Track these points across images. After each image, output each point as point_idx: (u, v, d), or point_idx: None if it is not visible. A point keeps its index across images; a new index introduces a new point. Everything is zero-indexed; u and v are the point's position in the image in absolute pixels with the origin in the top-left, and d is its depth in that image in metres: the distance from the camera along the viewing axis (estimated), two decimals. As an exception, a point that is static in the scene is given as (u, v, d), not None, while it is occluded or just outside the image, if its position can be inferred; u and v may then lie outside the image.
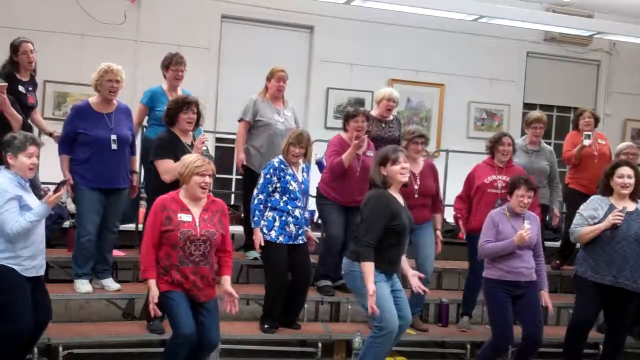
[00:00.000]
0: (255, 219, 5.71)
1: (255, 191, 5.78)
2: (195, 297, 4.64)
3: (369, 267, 4.71)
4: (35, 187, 5.42)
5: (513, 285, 5.36)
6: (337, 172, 6.07)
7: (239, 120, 6.49)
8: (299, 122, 6.79)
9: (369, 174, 5.04)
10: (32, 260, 4.58)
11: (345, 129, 6.25)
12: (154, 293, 4.54)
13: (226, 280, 4.77)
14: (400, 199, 4.96)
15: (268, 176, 5.73)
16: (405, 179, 4.92)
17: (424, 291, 5.06)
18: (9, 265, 4.50)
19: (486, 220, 5.54)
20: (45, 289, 4.86)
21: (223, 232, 4.73)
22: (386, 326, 4.82)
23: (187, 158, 4.71)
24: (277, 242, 5.70)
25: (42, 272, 4.73)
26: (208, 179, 4.62)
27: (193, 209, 4.64)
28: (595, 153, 7.18)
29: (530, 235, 5.31)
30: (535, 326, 5.38)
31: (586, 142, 7.00)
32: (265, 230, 5.71)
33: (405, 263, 5.10)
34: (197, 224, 4.60)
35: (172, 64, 6.21)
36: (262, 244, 5.69)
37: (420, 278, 5.10)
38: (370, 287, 4.67)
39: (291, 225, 5.74)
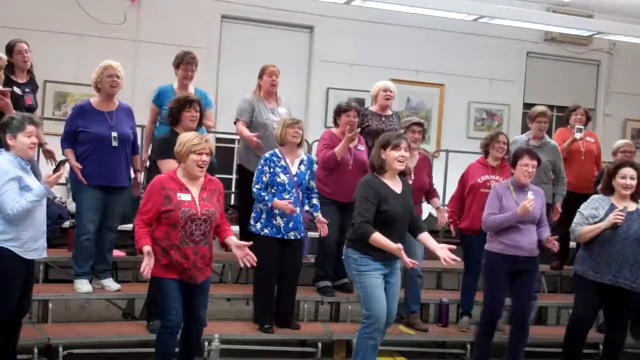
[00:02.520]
0: (266, 197, 5.66)
1: (253, 182, 5.78)
2: (194, 278, 4.65)
3: (378, 237, 4.71)
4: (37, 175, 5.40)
5: (513, 260, 5.43)
6: (329, 165, 6.08)
7: (235, 122, 6.46)
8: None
9: (370, 156, 5.07)
10: (33, 242, 4.56)
11: (336, 124, 6.29)
12: (151, 254, 4.47)
13: (231, 238, 4.75)
14: (396, 187, 4.93)
15: (260, 167, 5.75)
16: (401, 167, 4.91)
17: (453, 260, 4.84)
18: (9, 248, 4.45)
19: (490, 194, 5.64)
20: (32, 280, 4.79)
21: (221, 210, 4.76)
22: (373, 314, 4.85)
23: (184, 137, 4.70)
24: (262, 234, 5.69)
25: (44, 255, 4.73)
26: (205, 157, 4.62)
27: (192, 189, 4.64)
28: (582, 150, 7.19)
29: (534, 207, 5.33)
30: (522, 308, 5.55)
31: (577, 135, 7.02)
32: (252, 222, 5.73)
33: (429, 240, 5.03)
34: (197, 203, 4.61)
35: (183, 64, 6.20)
36: (290, 209, 5.61)
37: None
38: (393, 246, 4.66)
39: (278, 219, 5.70)
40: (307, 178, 5.88)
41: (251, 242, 4.89)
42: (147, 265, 4.47)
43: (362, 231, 4.76)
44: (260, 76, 6.48)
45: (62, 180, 7.04)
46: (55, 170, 4.56)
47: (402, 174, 5.03)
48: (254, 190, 5.74)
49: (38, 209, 4.56)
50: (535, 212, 5.43)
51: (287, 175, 5.74)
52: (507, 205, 5.47)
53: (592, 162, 7.28)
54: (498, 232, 5.49)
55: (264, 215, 5.71)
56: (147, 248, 4.50)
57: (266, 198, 5.67)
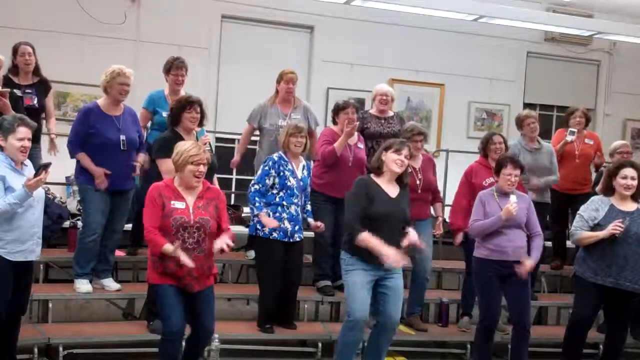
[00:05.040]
0: (257, 204, 5.69)
1: (252, 181, 5.81)
2: (189, 287, 4.59)
3: (365, 237, 4.76)
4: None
5: (500, 265, 5.43)
6: (329, 160, 6.11)
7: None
8: (313, 120, 6.69)
9: (372, 158, 5.14)
10: (18, 245, 4.49)
11: (334, 122, 6.34)
12: (173, 249, 4.41)
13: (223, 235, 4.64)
14: (391, 191, 4.97)
15: (267, 168, 5.75)
16: (397, 169, 4.94)
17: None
18: None
19: (475, 200, 5.64)
20: (29, 281, 4.76)
21: (218, 219, 4.68)
22: (351, 314, 4.92)
23: (182, 146, 4.66)
24: (271, 238, 5.70)
25: (31, 258, 4.62)
26: (202, 168, 4.59)
27: (187, 197, 4.61)
28: (577, 152, 7.17)
29: (517, 210, 5.34)
30: (520, 312, 5.52)
31: (569, 137, 7.02)
32: (258, 226, 5.72)
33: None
34: (191, 211, 4.57)
35: (173, 69, 6.22)
36: (274, 224, 5.64)
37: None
38: (378, 249, 4.71)
39: (286, 222, 5.72)
40: (308, 183, 5.92)
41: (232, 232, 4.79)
42: (184, 257, 4.40)
43: (352, 231, 4.83)
44: (278, 81, 6.50)
45: (62, 180, 7.12)
46: (36, 174, 4.44)
47: (402, 183, 5.06)
48: (252, 189, 5.75)
49: (27, 211, 4.50)
50: (520, 216, 5.43)
51: (295, 179, 5.77)
52: (491, 211, 5.48)
53: (588, 165, 7.27)
54: (484, 238, 5.50)
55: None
56: (168, 247, 4.42)
57: (256, 205, 5.69)
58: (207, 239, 4.62)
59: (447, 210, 6.79)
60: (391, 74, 9.13)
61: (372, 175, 5.04)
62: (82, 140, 5.64)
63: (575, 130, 7.06)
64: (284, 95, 6.48)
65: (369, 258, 4.83)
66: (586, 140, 7.30)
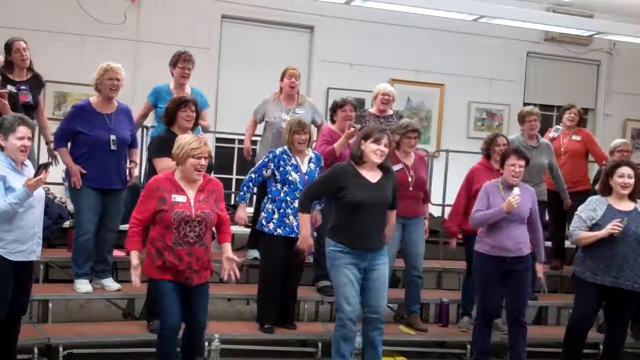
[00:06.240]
0: (241, 193, 5.85)
1: (251, 170, 5.88)
2: (189, 280, 4.62)
3: (300, 216, 5.18)
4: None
5: (500, 261, 5.45)
6: (328, 160, 6.10)
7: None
8: (318, 117, 6.78)
9: (352, 146, 5.22)
10: (19, 245, 4.47)
11: (332, 121, 6.36)
12: (137, 266, 4.58)
13: (226, 246, 4.77)
14: (371, 176, 4.99)
15: (266, 160, 5.79)
16: (377, 159, 4.96)
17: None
18: None
19: (480, 191, 5.65)
20: (29, 281, 4.75)
21: (219, 211, 4.73)
22: (340, 311, 5.01)
23: (183, 139, 4.68)
24: (275, 234, 5.71)
25: (32, 258, 4.61)
26: (204, 162, 4.61)
27: (188, 190, 4.63)
28: (562, 149, 7.17)
29: (520, 203, 5.33)
30: (517, 305, 5.56)
31: (551, 134, 7.04)
32: (264, 222, 5.74)
33: (391, 216, 5.22)
34: (192, 204, 4.59)
35: (180, 62, 6.24)
36: (246, 221, 5.86)
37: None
38: (301, 232, 5.15)
39: (290, 217, 5.72)
40: (317, 175, 5.88)
41: (240, 260, 4.89)
42: (136, 277, 4.56)
43: (298, 206, 5.22)
44: (281, 78, 6.58)
45: (60, 180, 7.12)
46: (36, 174, 4.43)
47: (386, 169, 5.06)
48: (247, 177, 5.84)
49: (28, 211, 4.49)
50: (522, 209, 5.43)
51: (298, 173, 5.76)
52: (494, 203, 5.49)
53: (575, 161, 7.25)
54: (486, 233, 5.52)
55: (276, 215, 5.73)
56: (135, 260, 4.56)
57: (241, 193, 5.84)
58: (207, 232, 4.67)
59: (447, 210, 6.80)
60: (391, 74, 9.12)
61: (352, 162, 5.05)
62: (66, 136, 5.68)
63: (560, 127, 7.09)
64: (288, 91, 6.54)
65: (350, 243, 4.91)
66: (573, 137, 7.31)
